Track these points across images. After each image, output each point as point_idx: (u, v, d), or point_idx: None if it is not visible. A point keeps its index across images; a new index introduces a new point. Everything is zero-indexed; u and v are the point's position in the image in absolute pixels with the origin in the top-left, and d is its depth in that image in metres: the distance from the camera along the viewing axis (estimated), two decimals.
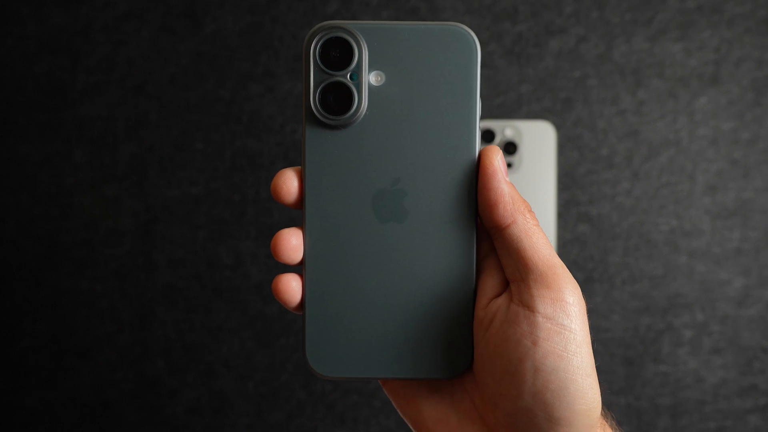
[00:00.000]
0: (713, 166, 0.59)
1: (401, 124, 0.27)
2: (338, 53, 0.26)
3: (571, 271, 0.26)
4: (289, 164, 0.59)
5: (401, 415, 0.29)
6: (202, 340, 0.59)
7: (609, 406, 0.59)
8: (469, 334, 0.27)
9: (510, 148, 0.58)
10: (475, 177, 0.27)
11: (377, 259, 0.27)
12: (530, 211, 0.27)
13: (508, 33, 0.59)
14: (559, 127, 0.59)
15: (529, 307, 0.25)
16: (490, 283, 0.27)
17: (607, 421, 0.28)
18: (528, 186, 0.58)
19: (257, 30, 0.59)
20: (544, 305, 0.25)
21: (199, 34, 0.59)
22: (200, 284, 0.59)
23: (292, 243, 0.27)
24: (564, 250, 0.59)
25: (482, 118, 0.59)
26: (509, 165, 0.58)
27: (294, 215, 0.59)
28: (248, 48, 0.59)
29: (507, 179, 0.27)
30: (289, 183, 0.27)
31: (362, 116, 0.26)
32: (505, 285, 0.27)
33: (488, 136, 0.58)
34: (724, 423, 0.59)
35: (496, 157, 0.27)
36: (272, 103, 0.59)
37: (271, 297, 0.59)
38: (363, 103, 0.26)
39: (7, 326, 0.60)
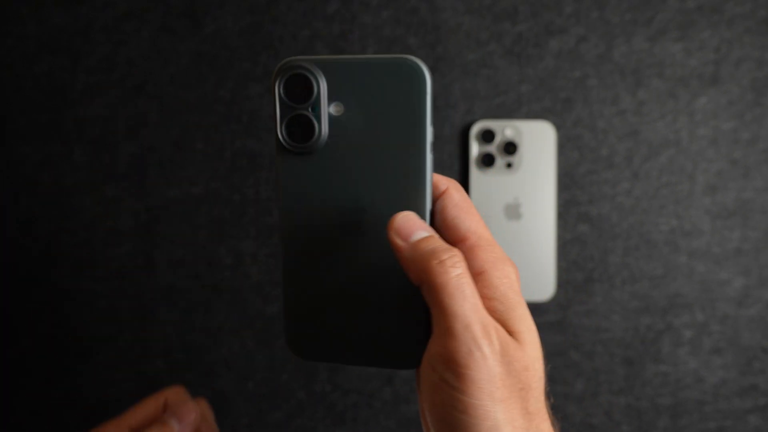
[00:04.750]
0: (713, 166, 0.59)
1: (360, 148, 0.29)
2: (300, 88, 0.29)
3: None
4: None
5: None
6: (202, 340, 0.59)
7: (609, 405, 0.59)
8: (423, 333, 0.30)
9: (510, 148, 0.58)
10: (425, 194, 0.29)
11: (341, 265, 0.30)
12: (442, 262, 0.27)
13: (508, 33, 0.59)
14: (559, 127, 0.59)
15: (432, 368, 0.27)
16: None
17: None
18: (528, 186, 0.58)
19: (257, 30, 0.59)
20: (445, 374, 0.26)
21: (199, 34, 0.59)
22: (200, 284, 0.59)
23: None
24: (564, 250, 0.59)
25: (483, 117, 0.59)
26: (509, 165, 0.58)
27: None
28: (248, 48, 0.59)
29: (418, 233, 0.28)
30: None
31: (324, 143, 0.29)
32: None
33: (488, 136, 0.58)
34: (724, 423, 0.59)
35: (397, 219, 0.28)
36: (272, 103, 0.59)
37: (271, 297, 0.59)
38: (323, 131, 0.29)
39: (7, 326, 0.60)
